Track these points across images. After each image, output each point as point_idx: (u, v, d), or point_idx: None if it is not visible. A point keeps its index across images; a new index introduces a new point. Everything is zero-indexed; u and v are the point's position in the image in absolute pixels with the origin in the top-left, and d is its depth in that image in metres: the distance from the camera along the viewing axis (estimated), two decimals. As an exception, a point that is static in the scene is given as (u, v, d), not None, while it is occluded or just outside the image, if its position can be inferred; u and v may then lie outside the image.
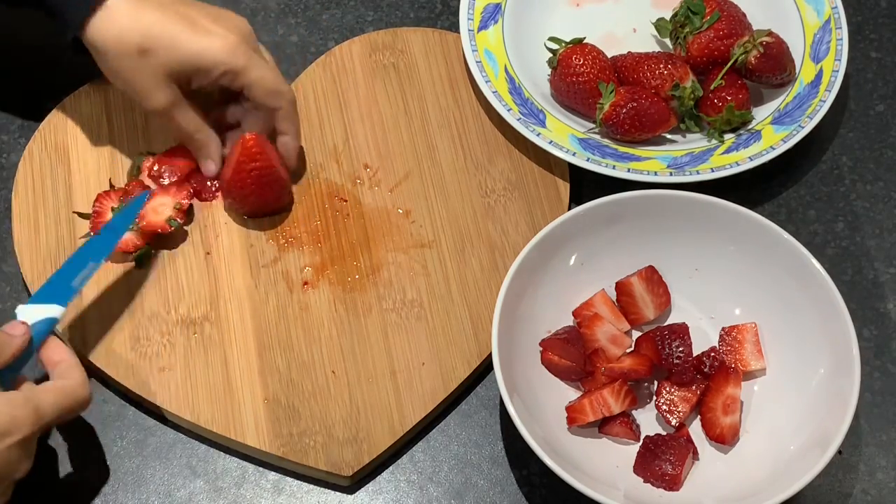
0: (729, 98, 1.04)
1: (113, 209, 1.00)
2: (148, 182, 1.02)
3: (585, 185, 1.04)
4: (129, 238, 0.98)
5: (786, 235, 0.94)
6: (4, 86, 1.11)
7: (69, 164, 1.04)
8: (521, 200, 1.03)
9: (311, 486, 0.93)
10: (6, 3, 0.99)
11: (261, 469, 0.93)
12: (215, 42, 0.94)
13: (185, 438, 0.94)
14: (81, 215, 1.01)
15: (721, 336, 0.96)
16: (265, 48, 1.01)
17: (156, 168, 1.02)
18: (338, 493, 0.93)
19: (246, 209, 1.01)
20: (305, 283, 0.99)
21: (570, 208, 1.02)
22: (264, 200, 1.01)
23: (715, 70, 1.05)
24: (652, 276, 0.96)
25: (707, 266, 0.97)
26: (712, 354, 0.94)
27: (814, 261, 0.92)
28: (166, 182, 1.02)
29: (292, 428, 0.92)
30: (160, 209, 1.00)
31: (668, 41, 1.11)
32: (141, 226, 0.99)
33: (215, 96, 1.02)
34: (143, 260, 0.99)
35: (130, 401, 0.95)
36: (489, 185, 1.04)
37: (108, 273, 0.98)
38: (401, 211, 1.02)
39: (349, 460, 0.91)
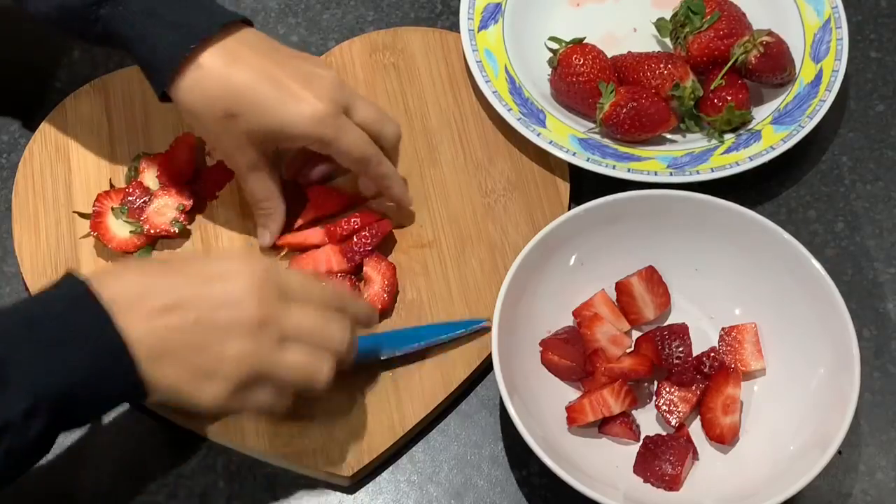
0: (729, 98, 1.04)
1: (113, 209, 1.00)
2: (148, 183, 1.02)
3: (585, 185, 1.04)
4: (129, 238, 0.99)
5: (786, 235, 0.94)
6: (4, 86, 1.11)
7: (69, 164, 1.04)
8: (521, 200, 1.03)
9: (312, 486, 0.93)
10: (99, 44, 0.97)
11: (261, 469, 0.93)
12: (304, 111, 0.91)
13: (184, 439, 0.94)
14: (81, 215, 1.01)
15: (721, 336, 0.96)
16: (361, 95, 0.98)
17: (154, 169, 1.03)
18: (338, 493, 0.93)
19: None
20: (305, 283, 0.99)
21: (570, 208, 1.02)
22: None
23: (715, 70, 1.05)
24: (652, 277, 0.96)
25: (707, 266, 0.97)
26: (712, 354, 0.94)
27: (814, 261, 0.92)
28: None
29: (292, 428, 0.92)
30: (163, 211, 1.00)
31: (668, 41, 1.11)
32: (146, 229, 0.99)
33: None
34: (144, 260, 0.99)
35: (130, 401, 0.95)
36: (489, 185, 1.04)
37: (108, 273, 0.98)
38: (401, 211, 1.03)
39: (349, 460, 0.91)
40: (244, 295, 0.79)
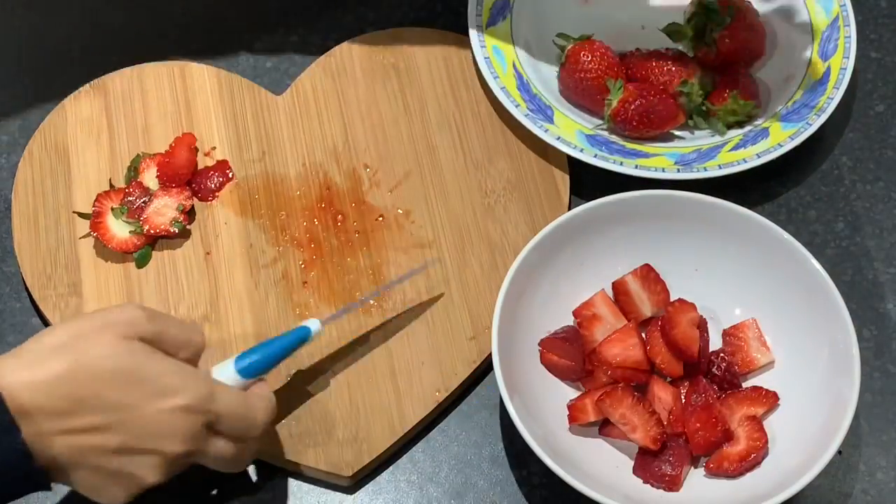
0: (735, 89, 1.04)
1: (113, 209, 1.00)
2: (148, 183, 1.02)
3: (586, 185, 1.04)
4: (129, 238, 0.99)
5: (786, 235, 0.93)
6: (5, 86, 1.11)
7: (69, 164, 1.04)
8: (521, 200, 1.03)
9: (311, 486, 0.93)
10: None
11: (261, 469, 0.93)
12: None
13: (184, 438, 0.94)
14: (81, 215, 1.01)
15: (724, 338, 0.96)
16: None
17: (154, 169, 1.03)
18: (338, 493, 0.93)
19: None
20: (305, 283, 0.99)
21: (570, 208, 1.01)
22: None
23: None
24: (648, 274, 0.96)
25: (707, 266, 0.97)
26: (721, 355, 0.94)
27: (814, 261, 0.92)
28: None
29: (292, 428, 0.92)
30: (163, 211, 1.00)
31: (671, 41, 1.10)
32: (145, 229, 0.99)
33: None
34: (144, 260, 0.99)
35: (130, 401, 0.95)
36: (489, 185, 1.04)
37: (108, 273, 0.99)
38: (401, 211, 1.02)
39: (349, 460, 0.91)
40: (175, 427, 0.78)
